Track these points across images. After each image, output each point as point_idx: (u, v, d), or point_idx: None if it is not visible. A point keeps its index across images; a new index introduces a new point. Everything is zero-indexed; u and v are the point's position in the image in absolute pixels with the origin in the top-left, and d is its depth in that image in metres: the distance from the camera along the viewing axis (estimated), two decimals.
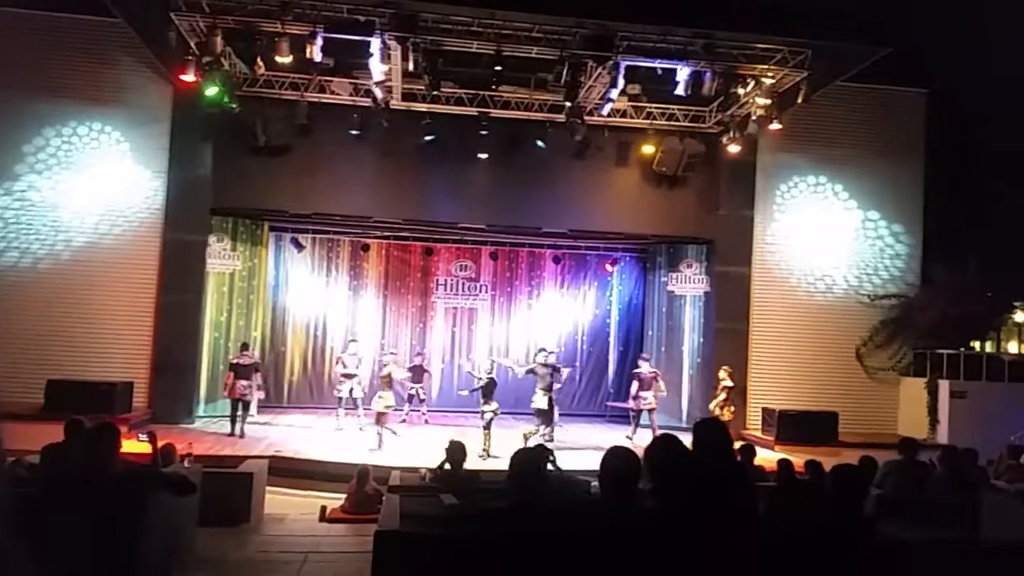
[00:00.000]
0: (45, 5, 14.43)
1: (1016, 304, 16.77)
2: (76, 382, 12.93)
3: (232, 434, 13.08)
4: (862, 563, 3.93)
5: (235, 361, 13.44)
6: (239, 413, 13.14)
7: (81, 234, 14.60)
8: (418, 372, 15.69)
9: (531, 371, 12.96)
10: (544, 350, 13.41)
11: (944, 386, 15.34)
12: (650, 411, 14.31)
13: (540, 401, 12.63)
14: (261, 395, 14.34)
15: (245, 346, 14.07)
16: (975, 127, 17.35)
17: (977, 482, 7.91)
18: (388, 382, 12.61)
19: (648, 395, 14.32)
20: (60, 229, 14.56)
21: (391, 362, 13.08)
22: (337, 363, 14.95)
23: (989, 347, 16.54)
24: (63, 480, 4.78)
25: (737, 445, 9.55)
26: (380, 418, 12.40)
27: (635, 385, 14.55)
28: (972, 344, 16.57)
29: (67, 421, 6.40)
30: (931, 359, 15.82)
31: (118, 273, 14.62)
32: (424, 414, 15.65)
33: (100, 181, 14.69)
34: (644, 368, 14.66)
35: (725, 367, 14.59)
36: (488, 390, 12.46)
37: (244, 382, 13.05)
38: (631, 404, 14.77)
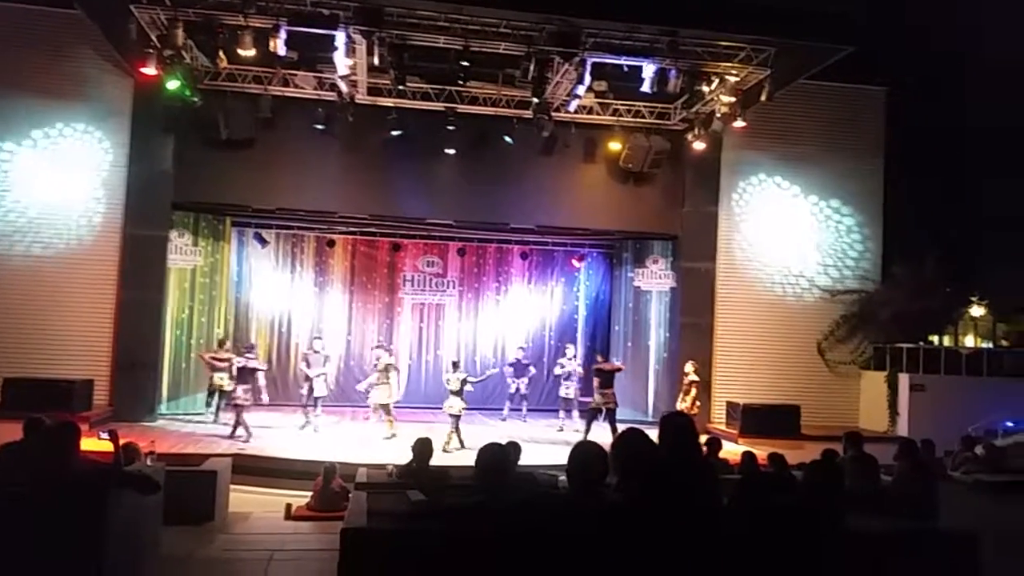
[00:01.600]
0: None
1: (972, 299, 17.14)
2: (34, 380, 12.71)
3: (215, 421, 13.76)
4: (828, 554, 4.00)
5: (211, 355, 14.13)
6: (217, 401, 14.00)
7: (38, 229, 14.32)
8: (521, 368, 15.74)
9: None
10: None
11: (904, 379, 15.66)
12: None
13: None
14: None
15: (221, 343, 14.58)
16: (935, 125, 17.69)
17: (935, 473, 8.07)
18: (250, 374, 12.66)
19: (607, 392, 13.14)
20: (16, 224, 14.26)
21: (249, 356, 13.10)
22: (302, 360, 14.83)
23: (947, 341, 16.88)
24: (23, 480, 4.69)
25: (703, 439, 9.70)
26: (240, 409, 12.41)
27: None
28: (930, 338, 16.92)
29: (26, 420, 6.27)
30: (891, 353, 16.13)
31: (77, 269, 14.36)
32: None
33: (58, 175, 14.40)
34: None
35: (691, 361, 14.68)
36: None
37: (222, 373, 13.67)
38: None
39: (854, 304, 16.74)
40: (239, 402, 12.37)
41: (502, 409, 16.19)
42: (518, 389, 15.94)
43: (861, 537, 4.79)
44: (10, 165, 14.31)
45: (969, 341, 18.46)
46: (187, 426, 13.68)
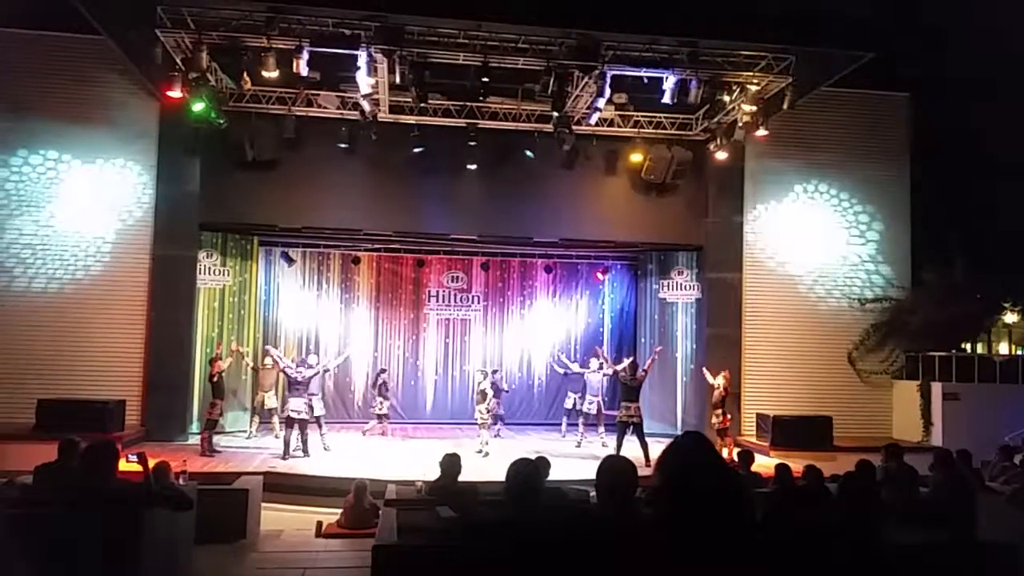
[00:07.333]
0: (25, 23, 14.35)
1: (1005, 305, 16.85)
2: (67, 401, 12.85)
3: (248, 437, 14.60)
4: (865, 567, 3.94)
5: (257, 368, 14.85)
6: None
7: (69, 252, 14.52)
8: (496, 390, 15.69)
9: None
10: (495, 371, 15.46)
11: (936, 388, 15.38)
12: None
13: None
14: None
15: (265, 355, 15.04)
16: (960, 129, 17.48)
17: (972, 484, 7.93)
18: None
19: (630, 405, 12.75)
20: (46, 248, 14.47)
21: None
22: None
23: (980, 348, 16.59)
24: (59, 500, 4.75)
25: (736, 451, 9.62)
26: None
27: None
28: (963, 346, 16.65)
29: (62, 440, 6.37)
30: (923, 362, 15.87)
31: (108, 290, 14.54)
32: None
33: (87, 198, 14.62)
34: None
35: (723, 373, 14.38)
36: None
37: (270, 392, 14.52)
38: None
39: (884, 312, 16.49)
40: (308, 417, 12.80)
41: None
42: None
43: (898, 549, 4.72)
44: (40, 189, 14.53)
45: (1003, 348, 18.15)
46: (228, 446, 13.65)
